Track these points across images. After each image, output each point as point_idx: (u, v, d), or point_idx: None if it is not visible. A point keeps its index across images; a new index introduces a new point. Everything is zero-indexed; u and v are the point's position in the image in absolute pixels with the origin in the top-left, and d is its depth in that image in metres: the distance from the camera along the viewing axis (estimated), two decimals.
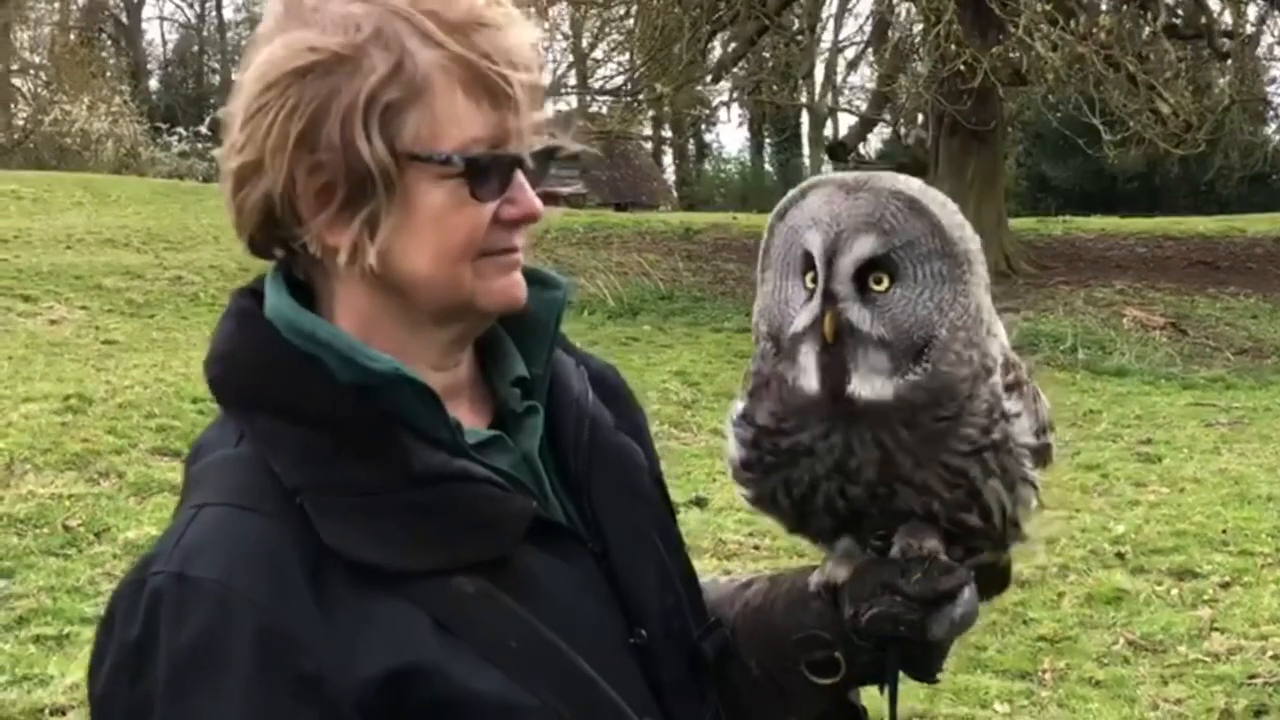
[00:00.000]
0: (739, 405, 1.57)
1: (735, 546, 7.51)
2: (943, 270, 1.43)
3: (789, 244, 1.48)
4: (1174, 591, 6.91)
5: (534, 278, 1.49)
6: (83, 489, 7.89)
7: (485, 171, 1.36)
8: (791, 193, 1.51)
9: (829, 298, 1.43)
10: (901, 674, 1.55)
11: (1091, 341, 14.18)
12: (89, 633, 6.07)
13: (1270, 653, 6.07)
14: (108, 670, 1.30)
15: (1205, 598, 6.82)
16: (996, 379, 1.48)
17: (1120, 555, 7.41)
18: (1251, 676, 5.83)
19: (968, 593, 1.50)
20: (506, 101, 1.36)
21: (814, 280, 1.44)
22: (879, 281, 1.43)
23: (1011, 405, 1.49)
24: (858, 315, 1.43)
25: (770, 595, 1.62)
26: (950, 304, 1.43)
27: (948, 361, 1.43)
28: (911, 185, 1.46)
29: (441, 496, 1.37)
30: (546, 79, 1.40)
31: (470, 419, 1.46)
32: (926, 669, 1.55)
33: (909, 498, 1.48)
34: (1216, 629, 6.39)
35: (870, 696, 1.63)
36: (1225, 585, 6.99)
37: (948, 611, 1.48)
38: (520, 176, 1.40)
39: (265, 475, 1.34)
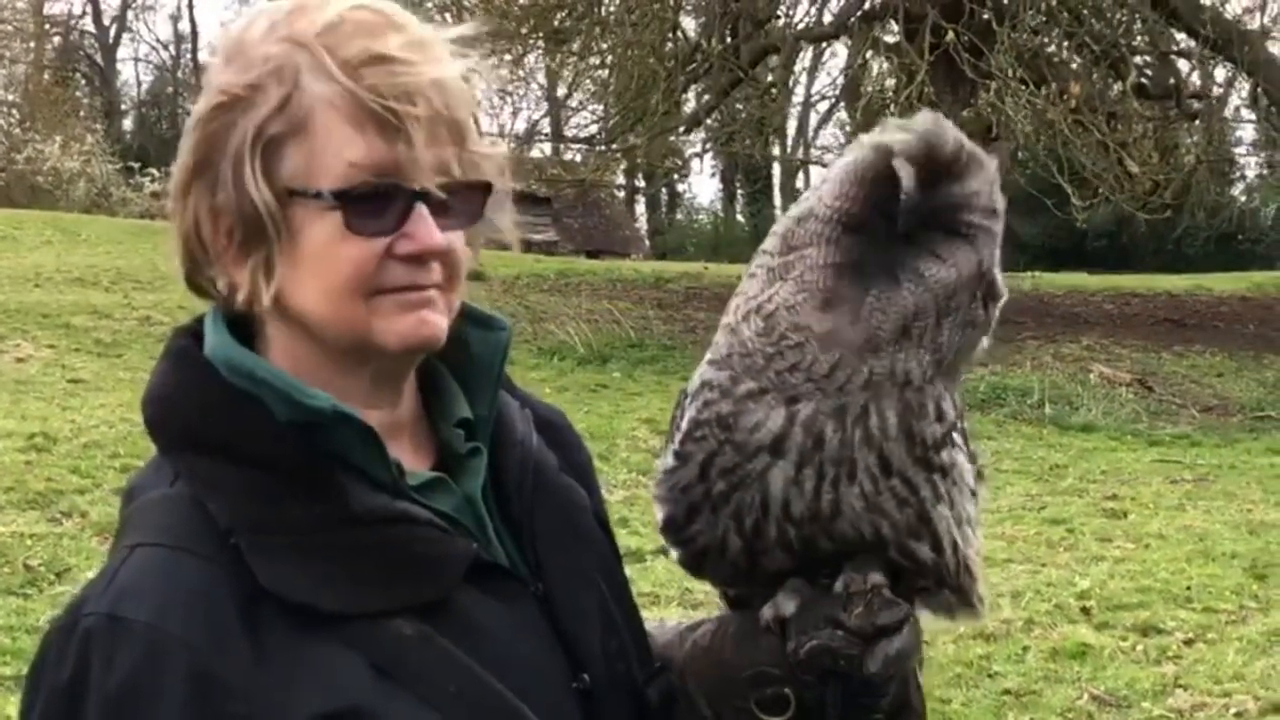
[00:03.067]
0: (679, 437, 1.54)
1: (702, 596, 7.48)
2: (978, 231, 1.46)
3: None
4: (1138, 647, 6.91)
5: (477, 319, 1.48)
6: (45, 528, 7.81)
7: (365, 205, 1.33)
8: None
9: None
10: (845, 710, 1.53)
11: (1059, 397, 14.22)
12: None
13: (1234, 710, 6.07)
14: (39, 714, 1.28)
15: (1169, 654, 6.82)
16: (941, 392, 1.48)
17: (1085, 610, 7.41)
18: None
19: (907, 629, 1.49)
20: (394, 134, 1.32)
21: None
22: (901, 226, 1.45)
23: (957, 436, 1.50)
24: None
25: (719, 634, 1.60)
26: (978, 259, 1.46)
27: (952, 312, 1.46)
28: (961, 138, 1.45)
29: (380, 538, 1.35)
30: (465, 114, 1.37)
31: (412, 460, 1.44)
32: (869, 704, 1.53)
33: (857, 519, 1.47)
34: (1180, 685, 6.38)
35: None
36: (1189, 642, 7.00)
37: (884, 645, 1.47)
38: (420, 210, 1.35)
39: (200, 516, 1.32)
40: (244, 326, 1.41)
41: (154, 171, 30.50)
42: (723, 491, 1.51)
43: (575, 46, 20.52)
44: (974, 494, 1.55)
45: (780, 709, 1.53)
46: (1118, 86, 19.02)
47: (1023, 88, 16.63)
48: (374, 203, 1.34)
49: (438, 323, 1.39)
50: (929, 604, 1.57)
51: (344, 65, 1.32)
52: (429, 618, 1.34)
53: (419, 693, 1.31)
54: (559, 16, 19.41)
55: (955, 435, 1.50)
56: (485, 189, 1.42)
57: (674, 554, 1.60)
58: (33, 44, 42.64)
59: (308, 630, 1.29)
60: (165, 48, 51.90)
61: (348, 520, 1.34)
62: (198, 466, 1.35)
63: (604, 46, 20.01)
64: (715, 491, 1.51)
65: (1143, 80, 19.61)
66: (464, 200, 1.40)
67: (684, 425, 1.53)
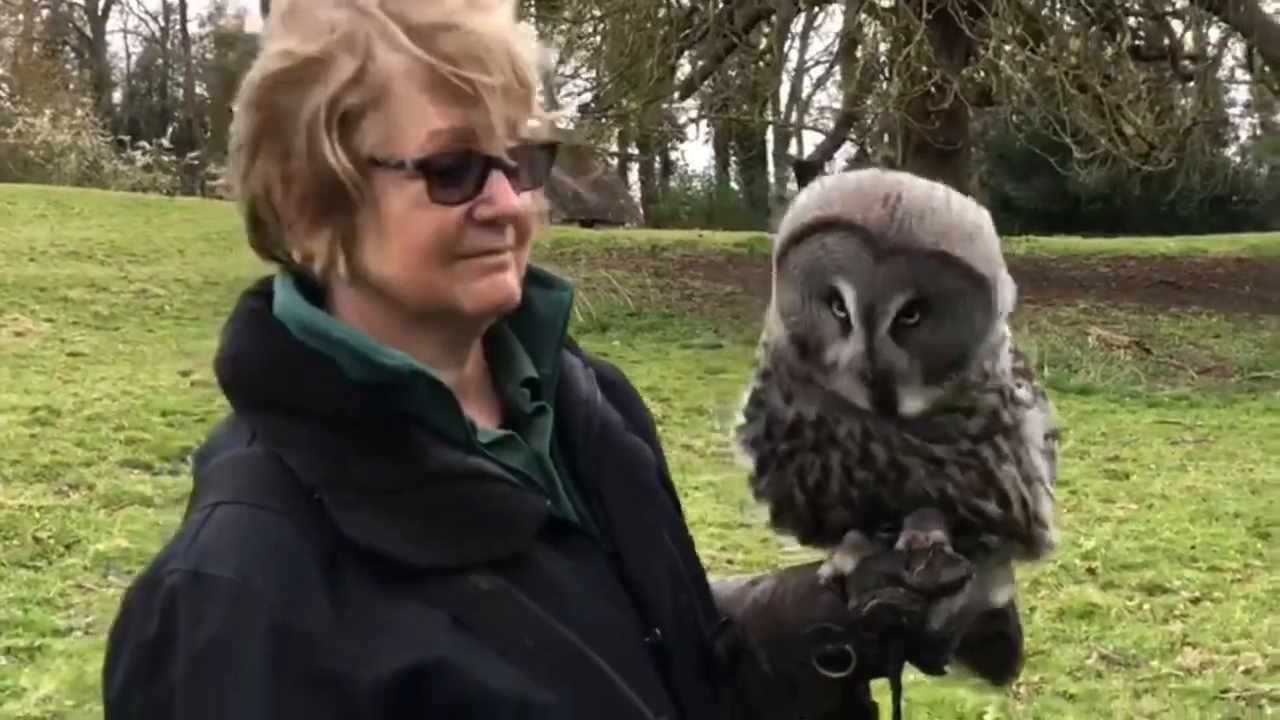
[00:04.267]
0: (746, 393, 1.58)
1: (708, 562, 7.48)
2: (974, 303, 1.44)
3: (812, 272, 1.45)
4: (1145, 606, 6.95)
5: (538, 278, 1.49)
6: (52, 501, 7.84)
7: (446, 173, 1.35)
8: (805, 213, 1.47)
9: (871, 354, 1.43)
10: (907, 665, 1.55)
11: (1057, 360, 14.22)
12: (60, 644, 6.03)
13: (1242, 667, 6.10)
14: (124, 670, 1.29)
15: (1176, 613, 6.86)
16: (1005, 361, 1.49)
17: (1091, 570, 7.44)
18: (1224, 690, 5.86)
19: (969, 586, 1.50)
20: (470, 102, 1.34)
21: (843, 311, 1.44)
22: (911, 316, 1.43)
23: (1023, 393, 1.51)
24: (896, 355, 1.44)
25: (779, 591, 1.61)
26: (983, 327, 1.45)
27: (976, 371, 1.46)
28: (938, 227, 1.41)
29: (457, 494, 1.36)
30: (531, 75, 1.38)
31: (480, 419, 1.45)
32: (931, 661, 1.55)
33: (921, 480, 1.49)
34: (1188, 643, 6.42)
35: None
36: (1195, 600, 7.03)
37: (948, 604, 1.49)
38: (497, 175, 1.38)
39: (279, 473, 1.33)
40: (311, 287, 1.42)
41: (144, 144, 30.40)
42: (786, 451, 1.53)
43: (568, 13, 20.45)
44: (1050, 452, 1.57)
45: (841, 665, 1.54)
46: (1111, 48, 18.99)
47: (1020, 47, 16.58)
48: (454, 171, 1.35)
49: (513, 285, 1.42)
50: (999, 553, 1.57)
51: (414, 33, 1.33)
52: (505, 573, 1.36)
53: (497, 647, 1.32)
54: None
55: (1020, 392, 1.51)
56: (551, 150, 1.43)
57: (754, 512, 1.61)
58: (21, 17, 42.43)
59: (388, 585, 1.30)
60: (154, 19, 51.60)
61: (425, 477, 1.35)
62: (275, 425, 1.36)
63: (597, 13, 19.94)
64: (780, 450, 1.54)
65: (1137, 42, 19.57)
66: (532, 161, 1.41)
67: (752, 382, 1.55)
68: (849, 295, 1.42)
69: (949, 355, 1.45)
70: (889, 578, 1.49)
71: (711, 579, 1.68)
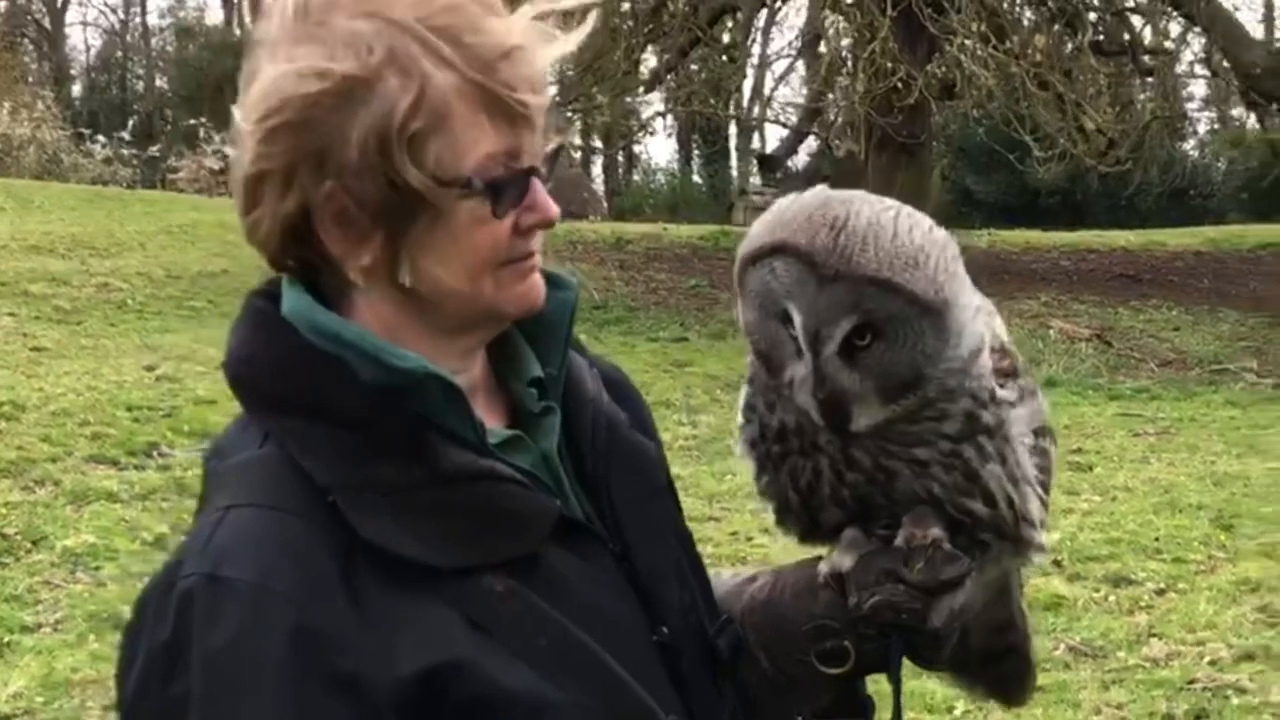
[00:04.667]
0: (742, 399, 1.61)
1: (756, 568, 7.51)
2: (922, 326, 1.45)
3: (765, 293, 1.49)
4: (1111, 598, 7.01)
5: (546, 278, 1.50)
6: (18, 496, 7.79)
7: (504, 189, 1.38)
8: (757, 238, 1.50)
9: (819, 376, 1.47)
10: (907, 662, 1.57)
11: (1020, 352, 14.28)
12: (29, 641, 6.00)
13: (1208, 658, 6.16)
14: (139, 673, 1.29)
15: (1142, 604, 6.92)
16: (986, 360, 1.51)
17: (1057, 563, 7.48)
18: (1190, 681, 5.92)
19: (969, 583, 1.52)
20: (524, 123, 1.38)
21: (796, 332, 1.47)
22: (862, 338, 1.46)
23: (1006, 393, 1.53)
24: (848, 379, 1.47)
25: (777, 587, 1.63)
26: (936, 349, 1.47)
27: (936, 388, 1.48)
28: (881, 254, 1.43)
29: (470, 495, 1.37)
30: (544, 70, 1.40)
31: (488, 419, 1.46)
32: (931, 656, 1.58)
33: (909, 482, 1.51)
34: (1154, 635, 6.48)
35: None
36: (1161, 592, 7.10)
37: (948, 600, 1.51)
38: (537, 184, 1.42)
39: (293, 475, 1.34)
40: (318, 290, 1.43)
41: (103, 138, 30.16)
42: (779, 453, 1.56)
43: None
44: (1041, 450, 1.59)
45: (840, 661, 1.56)
46: (1072, 44, 19.08)
47: (983, 44, 16.64)
48: (509, 186, 1.38)
49: (542, 286, 1.46)
50: (993, 551, 1.59)
51: (469, 55, 1.34)
52: (518, 574, 1.37)
53: (512, 647, 1.33)
54: None
55: (1004, 393, 1.53)
56: (556, 151, 1.46)
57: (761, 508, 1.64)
58: None
59: (404, 587, 1.31)
60: (114, 12, 51.22)
61: (439, 478, 1.36)
62: (287, 427, 1.37)
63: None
64: (773, 452, 1.56)
65: (1098, 37, 19.67)
66: (546, 164, 1.44)
67: (744, 386, 1.58)
68: (796, 319, 1.46)
69: (902, 376, 1.47)
70: (889, 575, 1.51)
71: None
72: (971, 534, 1.55)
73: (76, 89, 46.63)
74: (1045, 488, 1.61)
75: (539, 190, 1.42)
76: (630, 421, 1.62)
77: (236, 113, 1.38)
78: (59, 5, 45.36)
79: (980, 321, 1.51)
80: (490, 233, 1.39)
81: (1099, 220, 27.81)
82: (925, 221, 1.47)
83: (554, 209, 1.43)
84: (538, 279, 1.45)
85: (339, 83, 1.32)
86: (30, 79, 37.60)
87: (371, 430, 1.36)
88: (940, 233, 1.48)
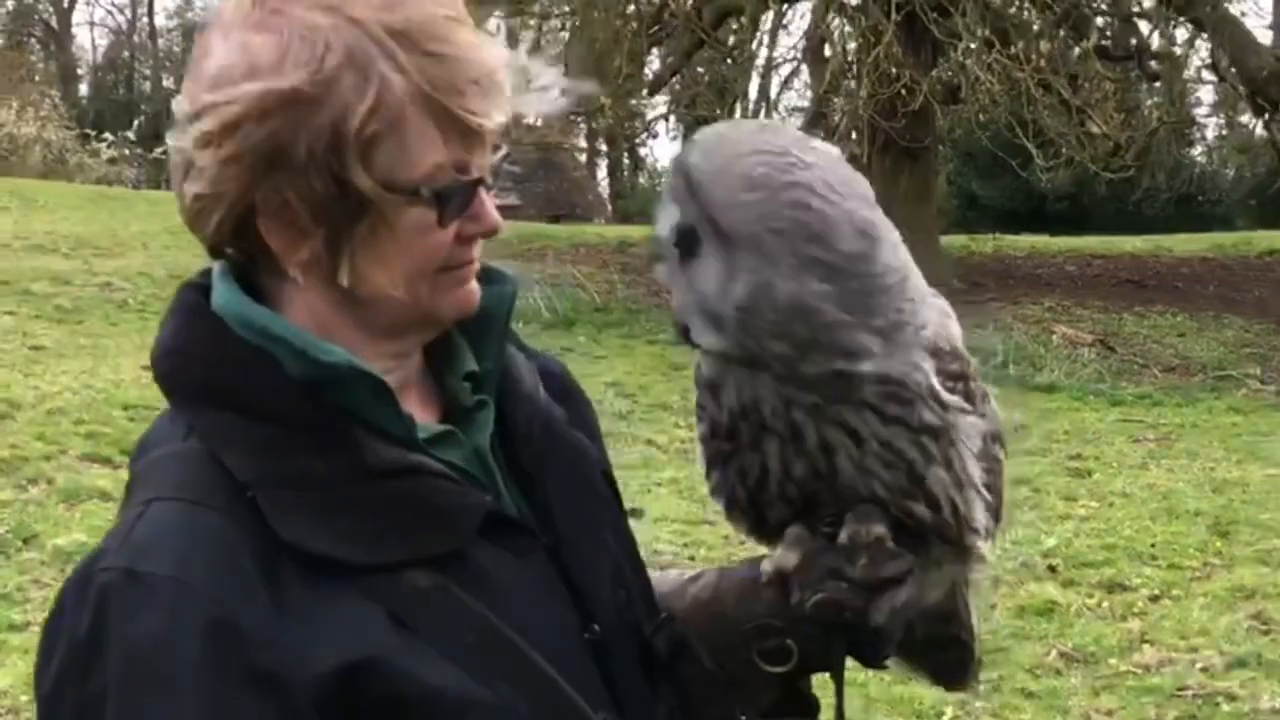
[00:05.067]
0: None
1: (670, 558, 7.51)
2: (716, 251, 1.42)
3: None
4: (1104, 604, 6.99)
5: (483, 273, 1.49)
6: (11, 495, 7.79)
7: (451, 198, 1.37)
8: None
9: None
10: (850, 660, 1.56)
11: (1021, 357, 14.28)
12: (17, 639, 5.99)
13: (1200, 665, 6.14)
14: (56, 669, 1.28)
15: (1135, 610, 6.90)
16: (925, 361, 1.47)
17: (1051, 568, 7.47)
18: (1181, 688, 5.90)
19: (911, 580, 1.51)
20: (476, 138, 1.37)
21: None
22: (679, 249, 1.46)
23: (953, 398, 1.49)
24: (664, 276, 1.49)
25: (720, 587, 1.62)
26: (727, 283, 1.41)
27: (752, 331, 1.41)
28: (716, 159, 1.42)
29: (395, 491, 1.36)
30: (507, 93, 1.39)
31: (420, 414, 1.45)
32: (873, 655, 1.57)
33: (853, 479, 1.48)
34: (1146, 641, 6.46)
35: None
36: (1155, 598, 7.08)
37: (890, 598, 1.49)
38: (481, 193, 1.41)
39: (215, 470, 1.32)
40: (250, 281, 1.41)
41: (109, 137, 30.24)
42: (726, 451, 1.53)
43: (536, 8, 20.41)
44: (990, 456, 1.56)
45: (782, 660, 1.55)
46: (1079, 48, 19.05)
47: (988, 48, 16.61)
48: (456, 196, 1.37)
49: (478, 291, 1.46)
50: (935, 552, 1.56)
51: (431, 68, 1.32)
52: (444, 569, 1.35)
53: (435, 644, 1.32)
54: None
55: (951, 398, 1.50)
56: (502, 161, 1.46)
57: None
58: None
59: (325, 582, 1.30)
60: (121, 12, 51.36)
61: (363, 474, 1.35)
62: (212, 421, 1.36)
63: (566, 9, 19.91)
64: (722, 450, 1.54)
65: (1104, 42, 19.64)
66: (495, 171, 1.44)
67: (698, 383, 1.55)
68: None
69: (707, 305, 1.45)
70: (832, 572, 1.50)
71: (651, 574, 1.68)
72: (914, 534, 1.52)
73: (83, 89, 46.78)
74: (995, 494, 1.58)
75: (485, 201, 1.41)
76: (569, 419, 1.61)
77: (181, 97, 1.36)
78: (66, 5, 45.47)
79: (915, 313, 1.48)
80: (433, 240, 1.38)
81: (1106, 226, 27.75)
82: (831, 176, 1.44)
83: (497, 220, 1.43)
84: (474, 285, 1.45)
85: (293, 78, 1.30)
86: (37, 78, 37.67)
87: (296, 425, 1.35)
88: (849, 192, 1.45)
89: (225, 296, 1.40)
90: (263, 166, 1.31)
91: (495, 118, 1.37)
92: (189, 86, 1.35)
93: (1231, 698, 5.80)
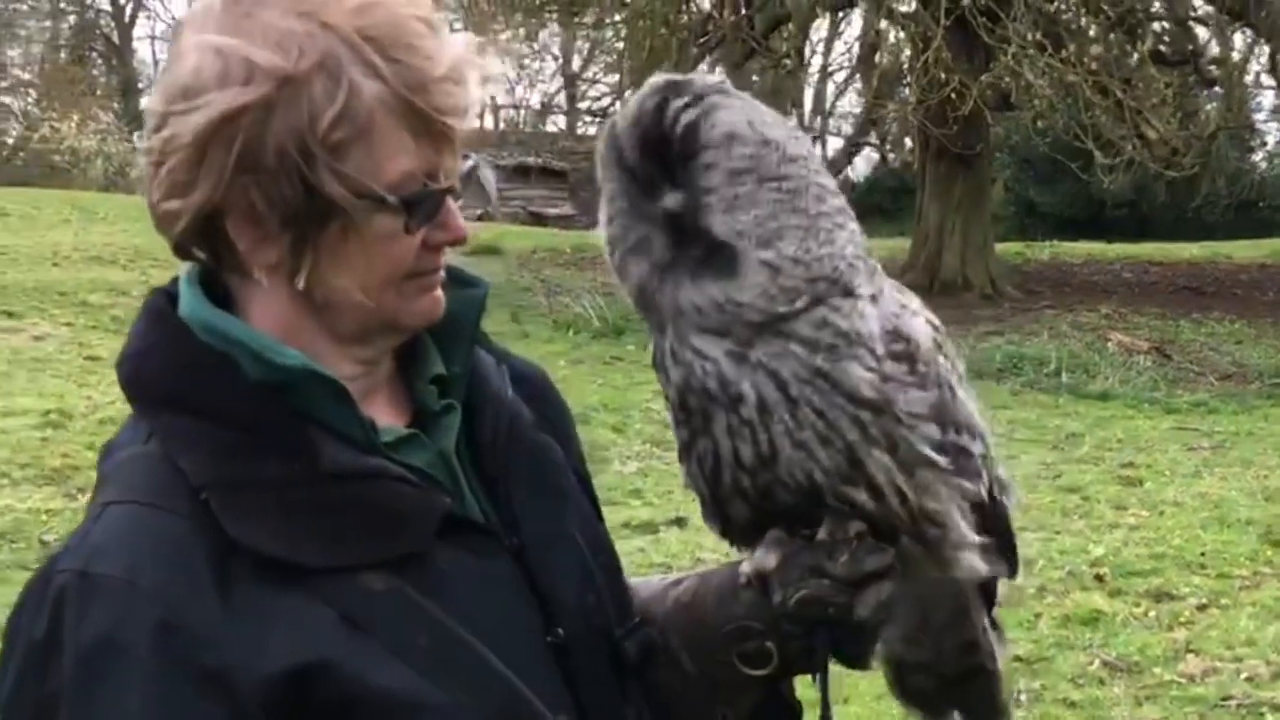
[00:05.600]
0: None
1: (714, 565, 7.49)
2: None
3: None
4: (1151, 613, 6.91)
5: (453, 276, 1.49)
6: (60, 504, 7.88)
7: (419, 206, 1.37)
8: None
9: None
10: (832, 660, 1.55)
11: (1076, 365, 14.18)
12: None
13: (1245, 675, 6.07)
14: (14, 671, 1.30)
15: (1182, 620, 6.82)
16: (854, 322, 1.46)
17: (1098, 577, 7.40)
18: (1226, 698, 5.83)
19: (894, 575, 1.50)
20: (445, 144, 1.38)
21: None
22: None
23: (895, 369, 1.47)
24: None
25: (701, 590, 1.61)
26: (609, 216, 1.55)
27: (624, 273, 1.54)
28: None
29: (352, 493, 1.36)
30: (475, 96, 1.40)
31: (388, 417, 1.46)
32: (857, 653, 1.56)
33: (790, 464, 1.46)
34: (1192, 651, 6.38)
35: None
36: (1202, 608, 6.99)
37: (874, 591, 1.49)
38: (449, 201, 1.42)
39: (171, 472, 1.33)
40: (219, 284, 1.42)
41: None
42: (686, 440, 1.53)
43: (589, 18, 20.46)
44: (955, 447, 1.53)
45: (762, 662, 1.54)
46: (1135, 53, 18.89)
47: (1039, 52, 16.49)
48: (424, 203, 1.38)
49: (443, 299, 1.46)
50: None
51: (402, 74, 1.33)
52: (401, 572, 1.36)
53: (390, 646, 1.32)
54: None
55: (905, 374, 1.48)
56: (471, 171, 1.46)
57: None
58: (49, 23, 42.74)
59: (278, 584, 1.30)
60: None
61: (319, 476, 1.35)
62: (170, 424, 1.36)
63: (617, 19, 19.94)
64: (683, 438, 1.54)
65: (1160, 46, 19.47)
66: (462, 183, 1.46)
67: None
68: None
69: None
70: (813, 570, 1.49)
71: (635, 579, 1.68)
72: (883, 536, 1.51)
73: (144, 102, 47.10)
74: (965, 488, 1.55)
75: (452, 209, 1.42)
76: (538, 422, 1.60)
77: (154, 95, 1.37)
78: (127, 19, 45.91)
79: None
80: (399, 246, 1.38)
81: (1165, 233, 27.47)
82: (761, 132, 1.47)
83: (464, 229, 1.44)
84: (439, 293, 1.45)
85: (265, 83, 1.30)
86: (98, 92, 38.08)
87: (254, 428, 1.36)
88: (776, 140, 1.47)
89: (188, 301, 1.41)
90: (231, 169, 1.32)
91: (466, 119, 1.38)
92: (161, 89, 1.35)
93: (1276, 707, 5.72)
